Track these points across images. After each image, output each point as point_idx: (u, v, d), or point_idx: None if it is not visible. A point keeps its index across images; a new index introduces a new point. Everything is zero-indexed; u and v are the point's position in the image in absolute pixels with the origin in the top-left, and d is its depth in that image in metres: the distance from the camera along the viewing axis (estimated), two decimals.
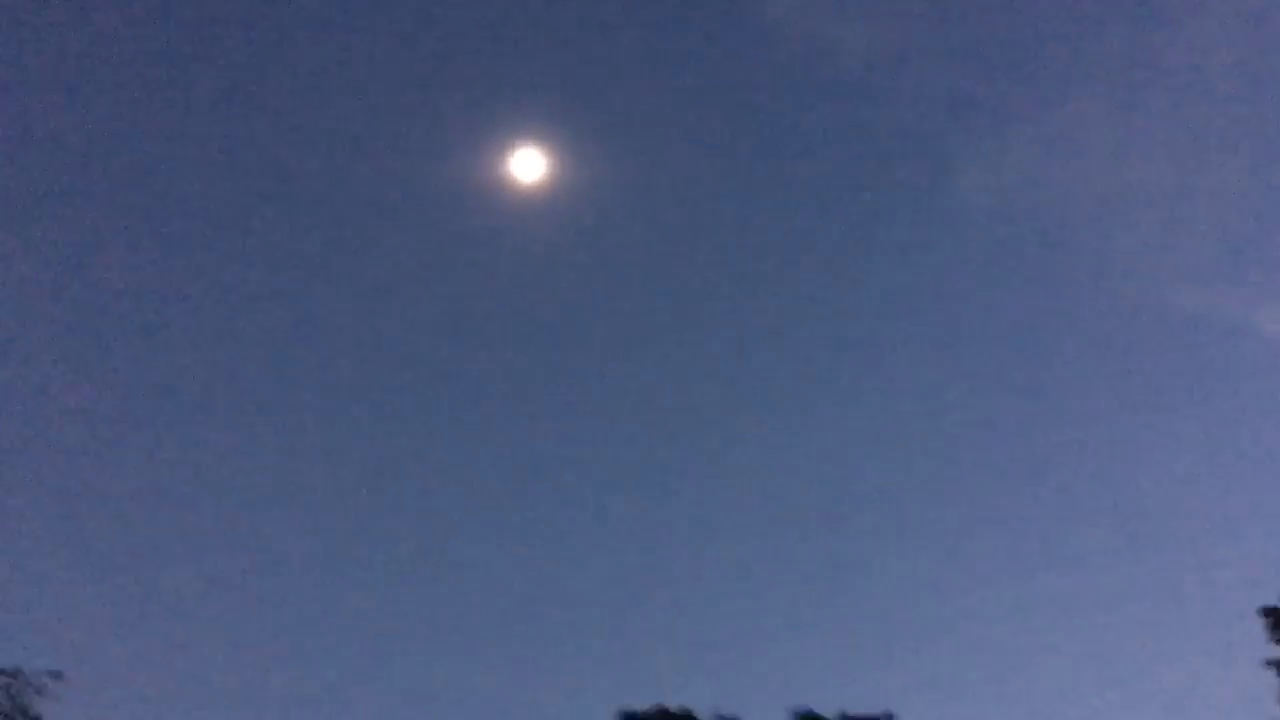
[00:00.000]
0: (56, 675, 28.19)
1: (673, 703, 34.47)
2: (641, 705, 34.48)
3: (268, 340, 79.24)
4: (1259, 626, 29.55)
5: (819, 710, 33.55)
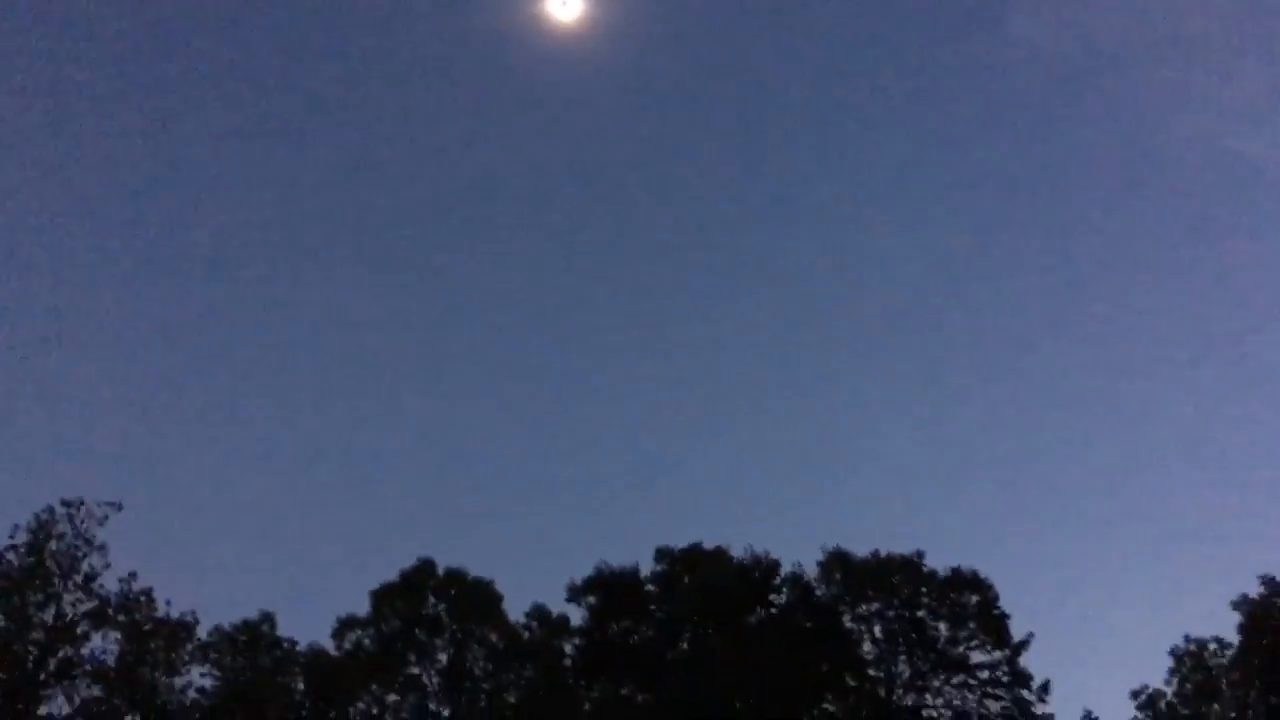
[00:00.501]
0: (116, 506, 29.25)
1: (708, 541, 35.33)
2: (678, 544, 35.38)
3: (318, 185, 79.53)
4: None
5: (851, 549, 34.27)
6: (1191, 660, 31.50)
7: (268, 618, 33.15)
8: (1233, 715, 30.43)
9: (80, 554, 28.69)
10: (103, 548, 29.06)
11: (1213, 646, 31.67)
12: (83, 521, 28.72)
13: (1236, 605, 30.66)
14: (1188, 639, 31.75)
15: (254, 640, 32.58)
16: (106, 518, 29.09)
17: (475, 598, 35.02)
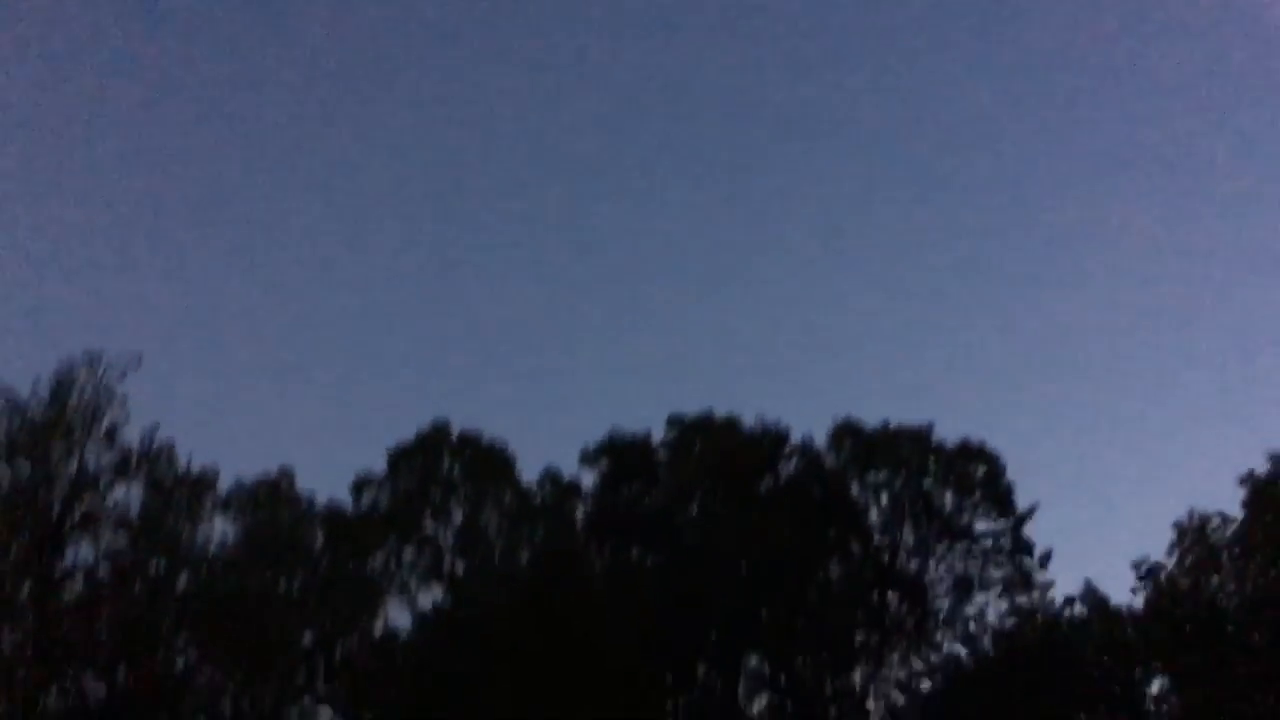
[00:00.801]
0: (137, 359, 29.72)
1: (720, 410, 35.67)
2: (690, 411, 35.75)
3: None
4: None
5: (861, 420, 34.54)
6: (1194, 534, 31.65)
7: (286, 474, 33.96)
8: (1231, 588, 30.71)
9: (101, 407, 29.29)
10: (124, 401, 29.64)
11: (1216, 521, 31.76)
12: (103, 375, 29.22)
13: (1243, 481, 30.65)
14: (1192, 513, 31.84)
15: (273, 495, 33.42)
16: (126, 372, 29.57)
17: (489, 460, 35.71)
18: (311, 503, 34.50)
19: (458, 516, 35.90)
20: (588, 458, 35.53)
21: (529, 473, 36.53)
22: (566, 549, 34.34)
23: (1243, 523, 30.89)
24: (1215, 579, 31.15)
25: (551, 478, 36.02)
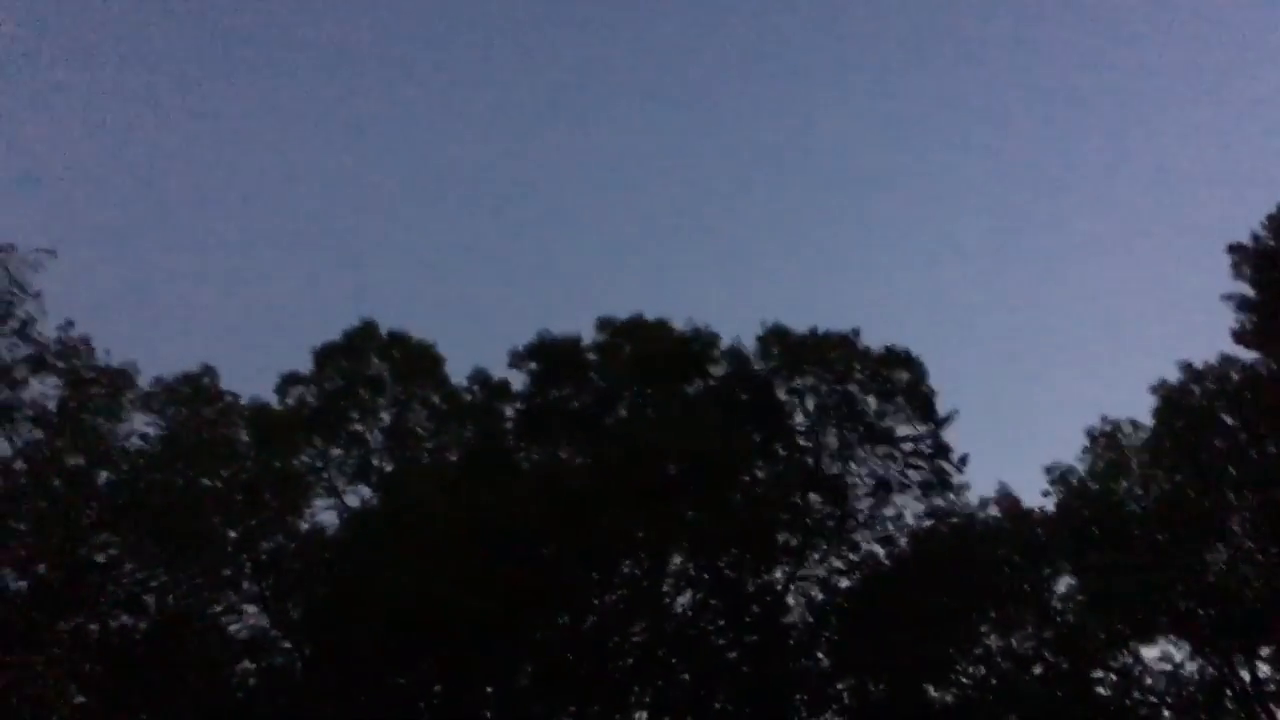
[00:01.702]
0: (49, 252, 28.82)
1: (650, 314, 35.75)
2: (619, 315, 35.77)
3: None
4: (1225, 263, 30.18)
5: (789, 325, 34.87)
6: (1105, 440, 32.81)
7: (209, 370, 33.40)
8: (1139, 490, 31.97)
9: (14, 300, 28.42)
10: (38, 295, 28.77)
11: (1128, 429, 32.91)
12: (15, 267, 28.30)
13: (1154, 389, 31.72)
14: (1104, 420, 32.98)
15: (196, 392, 32.90)
16: (39, 266, 28.65)
17: (417, 359, 35.50)
18: (236, 400, 34.10)
19: (386, 416, 35.76)
20: (517, 359, 35.49)
21: (458, 376, 36.49)
22: (496, 448, 34.47)
23: (1153, 430, 32.07)
24: (1124, 483, 32.40)
25: (481, 378, 35.97)
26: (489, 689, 32.07)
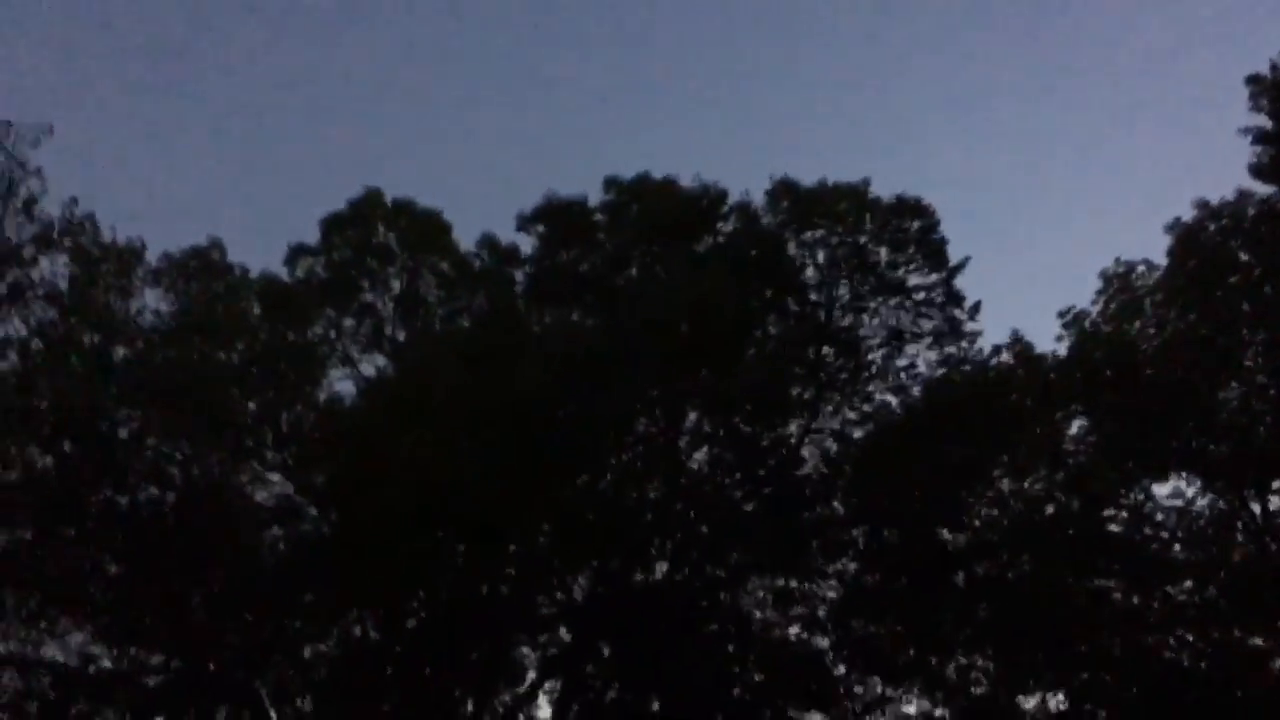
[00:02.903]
0: (48, 129, 28.52)
1: (657, 172, 35.28)
2: (626, 174, 35.33)
3: None
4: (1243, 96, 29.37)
5: (798, 179, 34.38)
6: (1119, 281, 32.52)
7: (217, 244, 33.37)
8: (1151, 331, 31.83)
9: (16, 177, 28.24)
10: (38, 172, 28.59)
11: (1141, 269, 32.60)
12: (14, 143, 28.04)
13: (1169, 228, 31.29)
14: (1118, 261, 32.61)
15: (205, 266, 32.92)
16: (39, 140, 28.36)
17: (424, 227, 35.30)
18: (245, 274, 34.12)
19: (396, 285, 35.76)
20: (525, 223, 35.21)
21: (466, 241, 36.30)
22: (507, 314, 34.51)
23: (1167, 269, 31.76)
24: (1137, 324, 32.26)
25: (489, 243, 35.79)
26: (511, 548, 32.77)
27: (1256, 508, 30.46)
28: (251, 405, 32.98)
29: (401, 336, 35.41)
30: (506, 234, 35.78)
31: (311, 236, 35.33)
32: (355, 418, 33.26)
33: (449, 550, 32.80)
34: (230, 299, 33.17)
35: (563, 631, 33.70)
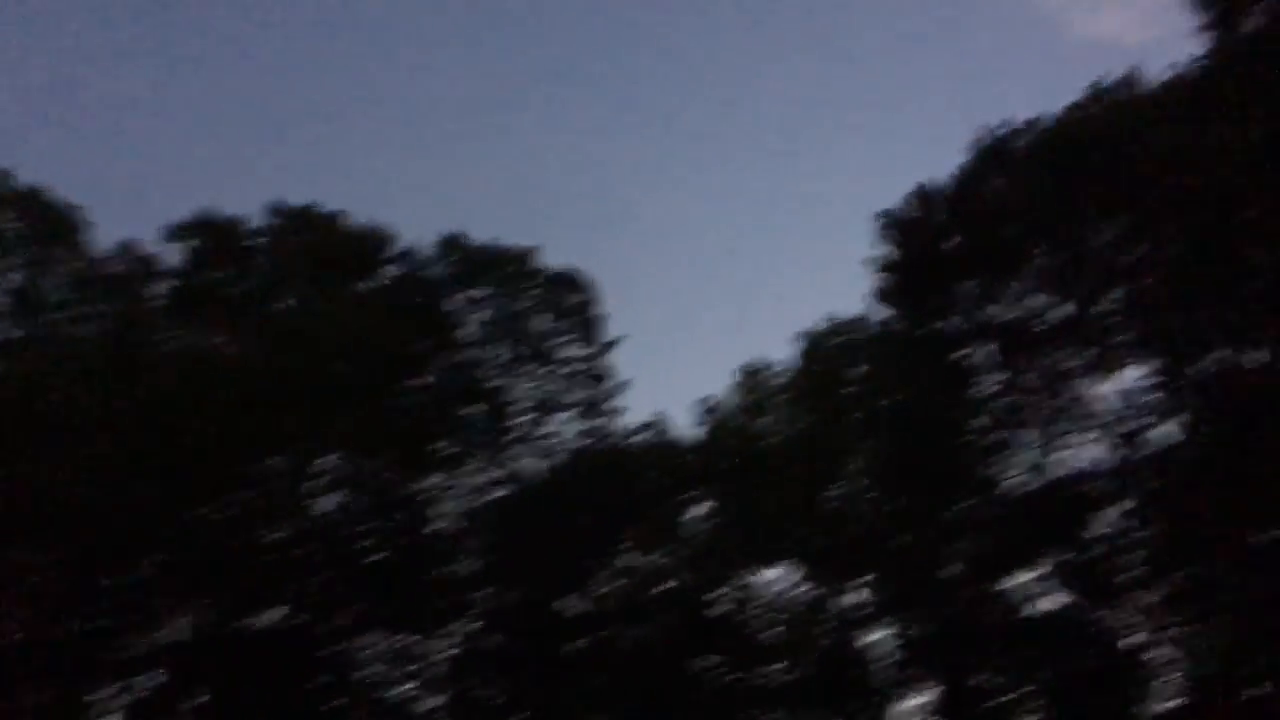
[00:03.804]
0: None
1: (326, 205, 34.48)
2: (294, 201, 34.29)
3: None
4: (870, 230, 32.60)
5: (472, 236, 34.70)
6: (752, 379, 35.19)
7: None
8: (778, 426, 34.51)
9: None
10: None
11: (775, 369, 35.39)
12: None
13: (798, 336, 34.30)
14: (752, 360, 35.40)
15: None
16: None
17: (56, 221, 32.33)
18: None
19: (17, 278, 32.43)
20: (174, 234, 33.14)
21: (105, 244, 33.61)
22: (141, 327, 32.12)
23: (795, 372, 34.64)
24: (767, 419, 34.87)
25: (129, 250, 33.28)
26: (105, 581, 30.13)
27: (845, 599, 33.31)
28: None
29: (18, 334, 32.04)
30: (153, 245, 33.47)
31: None
32: None
33: (64, 573, 29.69)
34: None
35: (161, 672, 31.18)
